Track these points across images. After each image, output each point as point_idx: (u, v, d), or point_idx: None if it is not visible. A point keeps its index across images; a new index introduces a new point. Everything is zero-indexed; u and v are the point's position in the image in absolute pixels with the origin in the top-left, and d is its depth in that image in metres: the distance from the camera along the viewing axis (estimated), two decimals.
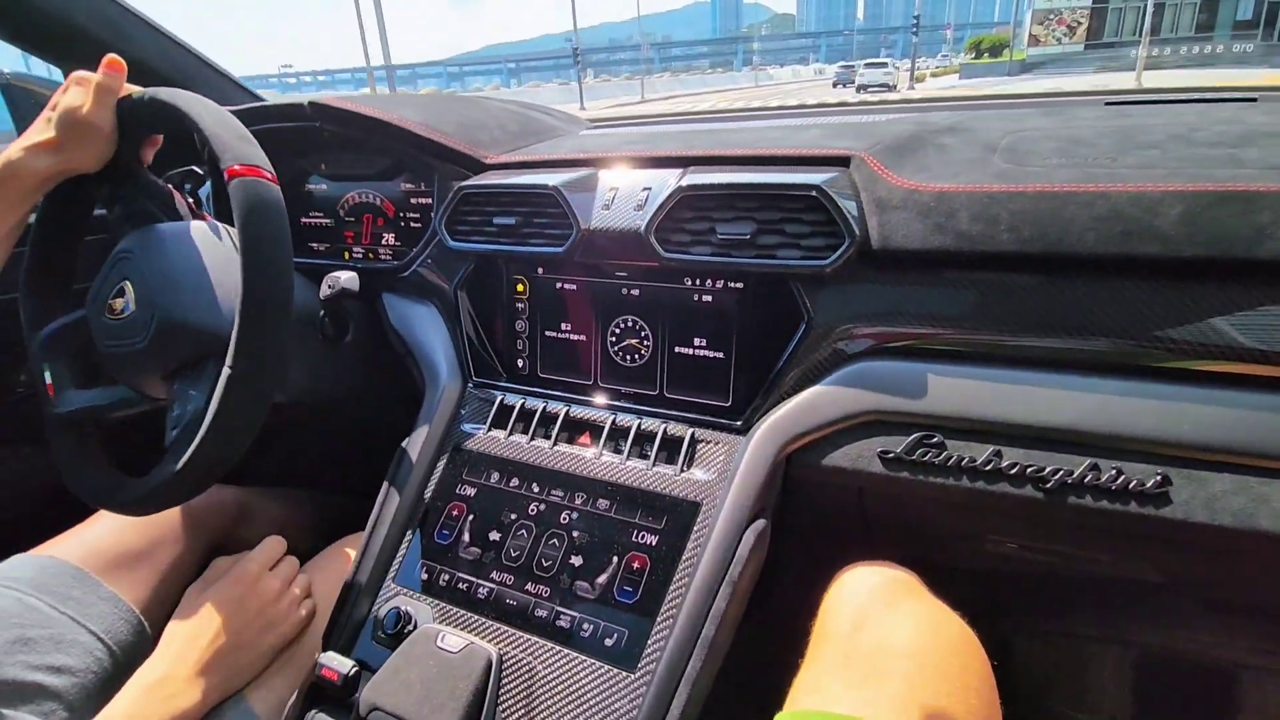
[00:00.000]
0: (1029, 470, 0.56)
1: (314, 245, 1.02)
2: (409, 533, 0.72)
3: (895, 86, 27.56)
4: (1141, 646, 0.70)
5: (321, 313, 0.83)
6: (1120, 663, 0.70)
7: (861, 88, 28.15)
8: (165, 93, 0.66)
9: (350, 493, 1.31)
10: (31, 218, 0.73)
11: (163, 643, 0.64)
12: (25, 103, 1.15)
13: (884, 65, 31.06)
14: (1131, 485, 0.53)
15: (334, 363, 0.89)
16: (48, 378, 0.73)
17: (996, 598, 0.72)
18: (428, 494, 0.74)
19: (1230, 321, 0.52)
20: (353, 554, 0.76)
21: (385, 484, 0.77)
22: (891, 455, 0.60)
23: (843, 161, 0.67)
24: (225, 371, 0.57)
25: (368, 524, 0.74)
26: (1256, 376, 0.52)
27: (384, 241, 0.99)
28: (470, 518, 0.71)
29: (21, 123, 1.14)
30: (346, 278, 0.77)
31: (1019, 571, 0.67)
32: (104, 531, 0.78)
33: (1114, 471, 0.53)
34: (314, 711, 0.60)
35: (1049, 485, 0.55)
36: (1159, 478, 0.52)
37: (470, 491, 0.73)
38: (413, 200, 0.95)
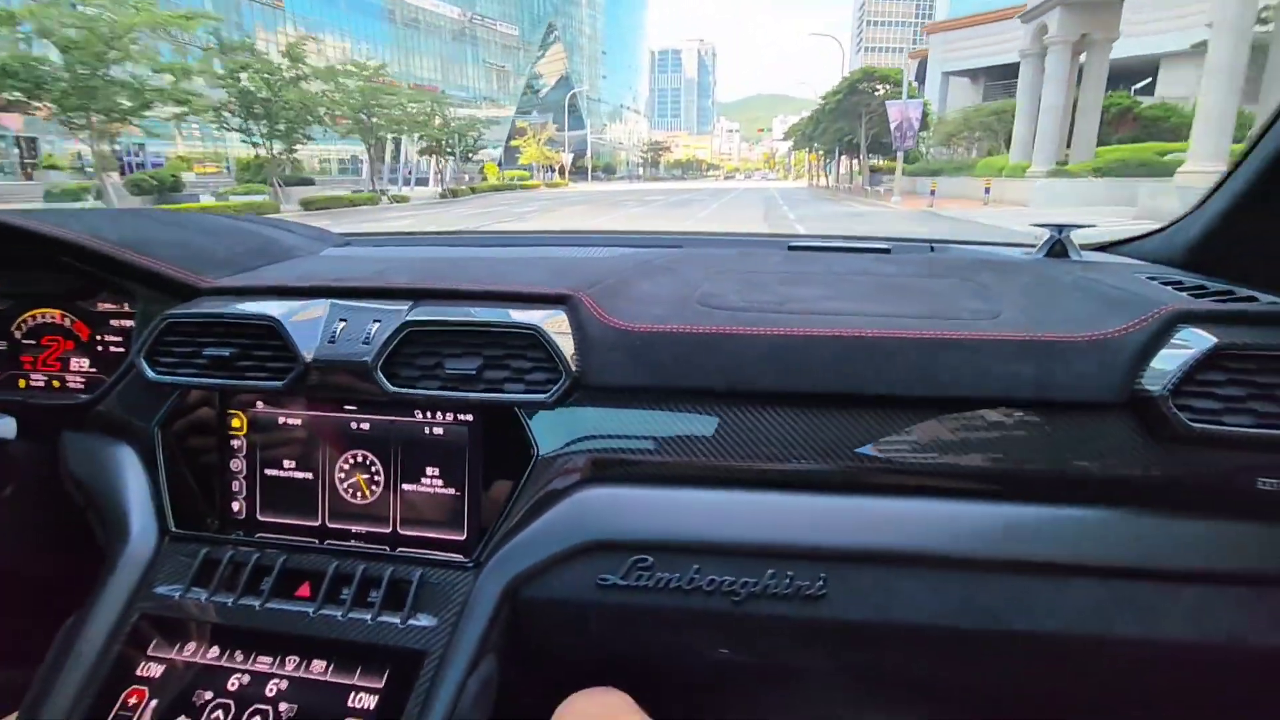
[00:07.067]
0: (723, 586, 0.62)
1: None
2: None
3: None
4: None
5: None
6: None
7: None
8: None
9: None
10: None
11: None
12: None
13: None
14: (802, 590, 0.61)
15: None
16: None
17: (707, 702, 0.77)
18: (99, 679, 0.62)
19: (862, 441, 0.64)
20: None
21: (42, 670, 0.63)
22: (609, 583, 0.63)
23: (563, 300, 0.73)
24: None
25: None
26: (888, 485, 0.63)
27: (73, 368, 0.85)
28: (152, 703, 0.61)
29: None
30: (1, 426, 0.65)
31: (726, 676, 0.73)
32: None
33: (788, 578, 0.62)
34: None
35: (739, 597, 0.62)
36: (821, 580, 0.61)
37: (155, 672, 0.63)
38: (112, 323, 0.84)
